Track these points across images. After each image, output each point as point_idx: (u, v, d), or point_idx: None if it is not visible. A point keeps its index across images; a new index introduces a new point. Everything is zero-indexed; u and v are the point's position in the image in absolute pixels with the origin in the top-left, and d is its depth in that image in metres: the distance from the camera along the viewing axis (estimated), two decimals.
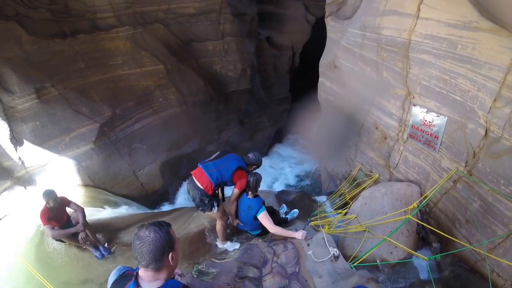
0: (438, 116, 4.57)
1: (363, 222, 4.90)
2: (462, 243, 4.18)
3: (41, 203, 5.63)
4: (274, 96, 17.98)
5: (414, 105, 5.03)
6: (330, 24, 8.22)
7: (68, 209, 6.07)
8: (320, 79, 8.69)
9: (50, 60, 9.64)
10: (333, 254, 4.16)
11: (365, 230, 4.73)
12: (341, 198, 6.78)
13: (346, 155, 7.47)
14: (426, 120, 4.79)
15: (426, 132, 4.85)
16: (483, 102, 3.80)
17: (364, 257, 4.24)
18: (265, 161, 16.18)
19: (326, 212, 6.47)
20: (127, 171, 10.40)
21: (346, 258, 4.37)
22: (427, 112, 4.75)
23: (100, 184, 9.74)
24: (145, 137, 11.23)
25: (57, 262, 6.12)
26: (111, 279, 2.10)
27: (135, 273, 1.98)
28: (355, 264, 4.13)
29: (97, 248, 5.98)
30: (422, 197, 4.98)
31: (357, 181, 6.73)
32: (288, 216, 5.84)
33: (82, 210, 5.98)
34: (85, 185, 9.45)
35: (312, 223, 5.47)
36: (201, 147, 12.82)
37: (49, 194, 5.54)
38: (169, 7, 12.49)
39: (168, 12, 12.51)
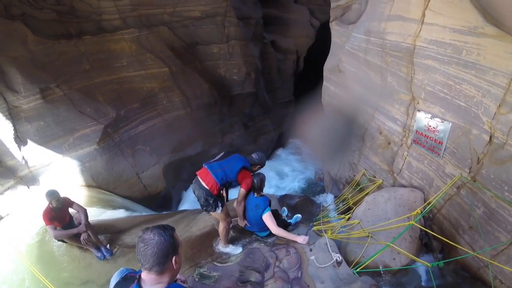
0: (442, 122, 4.56)
1: (366, 227, 4.88)
2: (465, 249, 4.16)
3: (44, 203, 5.64)
4: (278, 99, 17.98)
5: (418, 110, 5.02)
6: (335, 28, 8.23)
7: (71, 210, 6.08)
8: (324, 83, 8.70)
9: (55, 61, 9.67)
10: (336, 259, 4.14)
11: (368, 236, 4.71)
12: (344, 203, 6.76)
13: (349, 159, 7.45)
14: (430, 126, 4.78)
15: (430, 137, 4.83)
16: (487, 108, 3.79)
17: (367, 263, 4.22)
18: (268, 164, 16.12)
19: (329, 217, 6.45)
20: (130, 172, 10.41)
21: (349, 263, 4.35)
22: (432, 117, 4.74)
23: (103, 185, 9.74)
24: (149, 139, 11.24)
25: (59, 263, 6.12)
26: (113, 281, 2.09)
27: (137, 276, 1.97)
28: (357, 270, 4.11)
29: (99, 249, 5.98)
30: (426, 203, 4.95)
31: (361, 186, 6.71)
32: (292, 221, 5.83)
33: (85, 210, 5.98)
34: (88, 186, 9.46)
35: (314, 228, 5.45)
36: (205, 149, 12.82)
37: (52, 194, 5.55)
38: (175, 10, 12.53)
39: (174, 15, 12.55)
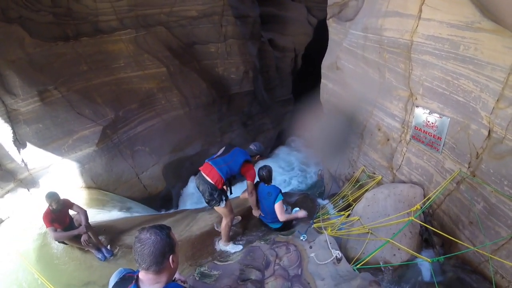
0: (441, 117, 4.55)
1: (366, 224, 4.88)
2: (466, 244, 4.16)
3: (44, 205, 5.65)
4: (277, 98, 17.98)
5: (416, 106, 5.02)
6: (332, 26, 8.21)
7: (71, 211, 6.08)
8: (322, 80, 8.68)
9: (53, 63, 9.68)
10: (336, 256, 4.14)
11: (368, 232, 4.71)
12: (344, 199, 6.76)
13: (348, 156, 7.45)
14: (429, 121, 4.78)
15: (429, 133, 4.83)
16: (486, 103, 3.78)
17: (367, 259, 4.22)
18: (268, 162, 16.18)
19: (329, 214, 6.45)
20: (130, 173, 10.42)
21: (349, 260, 4.35)
22: (430, 113, 4.73)
23: (102, 186, 9.75)
24: (148, 140, 11.25)
25: (60, 264, 6.13)
26: (112, 281, 2.10)
27: (135, 276, 1.98)
28: (357, 266, 4.11)
29: (99, 250, 5.99)
30: (425, 199, 4.95)
31: (360, 183, 6.71)
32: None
33: (85, 212, 5.99)
34: (88, 187, 9.47)
35: (315, 225, 5.45)
36: (204, 149, 12.82)
37: (52, 196, 5.55)
38: (172, 10, 12.51)
39: (171, 15, 12.54)
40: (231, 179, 4.97)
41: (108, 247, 6.19)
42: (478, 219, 4.05)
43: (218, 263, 4.72)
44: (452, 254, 4.33)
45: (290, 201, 7.31)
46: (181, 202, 11.89)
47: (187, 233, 6.03)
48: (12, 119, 8.45)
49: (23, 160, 8.42)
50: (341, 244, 4.92)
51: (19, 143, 8.47)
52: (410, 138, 5.34)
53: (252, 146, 5.31)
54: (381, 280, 4.18)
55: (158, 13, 12.30)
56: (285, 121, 17.84)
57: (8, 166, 8.21)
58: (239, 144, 14.28)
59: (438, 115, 4.59)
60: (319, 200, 7.85)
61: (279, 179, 14.56)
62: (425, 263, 4.36)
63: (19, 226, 7.29)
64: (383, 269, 4.37)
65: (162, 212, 10.09)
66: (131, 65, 11.40)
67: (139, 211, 9.47)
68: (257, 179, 5.21)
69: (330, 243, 4.37)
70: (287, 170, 15.74)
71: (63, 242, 5.99)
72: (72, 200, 6.08)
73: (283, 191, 5.55)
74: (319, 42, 14.68)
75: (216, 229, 5.73)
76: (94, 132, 9.69)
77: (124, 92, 11.24)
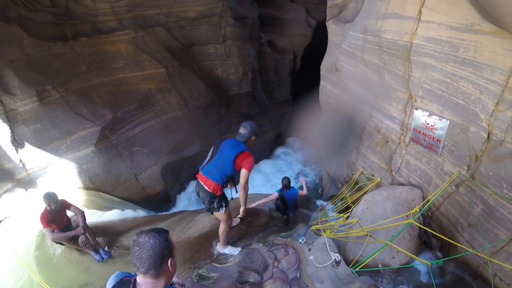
0: (440, 120, 4.55)
1: (365, 226, 4.87)
2: (465, 247, 4.16)
3: (42, 206, 5.61)
4: (276, 99, 17.97)
5: (416, 108, 5.01)
6: (331, 27, 8.22)
7: (69, 212, 6.05)
8: (321, 82, 8.69)
9: (52, 63, 9.64)
10: (335, 259, 4.12)
11: (367, 235, 4.70)
12: (342, 202, 6.75)
13: (347, 158, 7.45)
14: (428, 124, 4.77)
15: (428, 135, 4.82)
16: (485, 105, 3.78)
17: (366, 262, 4.21)
18: (267, 163, 16.19)
19: (327, 216, 6.44)
20: (128, 174, 10.38)
21: (348, 263, 4.34)
22: (429, 115, 4.73)
23: (101, 187, 9.71)
24: (146, 140, 11.21)
25: (57, 265, 6.09)
26: (109, 285, 2.07)
27: (133, 280, 1.95)
28: (357, 269, 4.10)
29: (97, 251, 5.95)
30: (425, 201, 4.95)
31: (359, 185, 6.71)
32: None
33: (83, 213, 5.95)
34: (86, 188, 9.43)
35: (313, 228, 5.44)
36: (203, 150, 12.79)
37: (50, 197, 5.51)
38: (171, 11, 12.50)
39: (170, 15, 12.52)
40: (231, 179, 4.58)
41: (106, 248, 6.16)
42: (477, 221, 4.05)
43: (217, 265, 4.70)
44: (451, 256, 4.33)
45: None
46: (179, 203, 11.85)
47: (185, 235, 6.00)
48: (10, 119, 8.41)
49: (21, 160, 8.39)
50: (339, 246, 4.91)
51: (17, 143, 8.43)
52: (409, 140, 5.34)
53: (242, 130, 4.55)
54: (380, 283, 4.17)
55: (157, 14, 12.28)
56: (284, 123, 17.83)
57: (6, 166, 8.17)
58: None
59: (437, 118, 4.59)
60: (318, 202, 7.85)
61: (277, 180, 14.53)
62: (424, 266, 4.35)
63: (17, 226, 7.25)
64: (382, 271, 4.36)
65: (160, 214, 10.05)
66: (130, 66, 11.37)
67: (137, 213, 9.45)
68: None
69: (329, 246, 4.35)
70: (285, 171, 15.73)
71: (61, 243, 5.95)
72: (70, 201, 6.04)
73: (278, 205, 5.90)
74: (318, 43, 14.71)
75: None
76: (92, 133, 9.65)
77: (122, 92, 11.21)
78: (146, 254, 1.79)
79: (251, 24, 15.33)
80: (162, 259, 1.84)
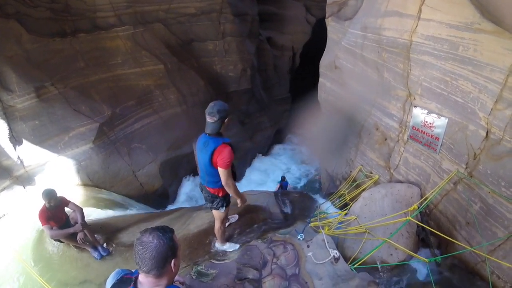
0: (439, 118, 4.56)
1: (363, 223, 4.88)
2: (463, 245, 4.17)
3: (40, 203, 5.61)
4: (275, 96, 17.98)
5: (415, 106, 5.02)
6: (331, 24, 8.21)
7: (67, 209, 6.05)
8: (320, 79, 8.68)
9: (50, 59, 9.62)
10: (333, 256, 4.14)
11: (365, 232, 4.71)
12: (341, 199, 6.76)
13: (346, 156, 7.46)
14: (427, 122, 4.78)
15: (426, 133, 4.83)
16: (484, 104, 3.78)
17: (364, 259, 4.23)
18: (265, 161, 16.21)
19: (326, 213, 6.45)
20: (127, 170, 10.38)
21: (346, 259, 4.35)
22: (428, 113, 4.74)
23: (99, 184, 9.71)
24: (145, 137, 11.21)
25: (56, 262, 6.10)
26: (109, 283, 2.06)
27: (134, 278, 1.94)
28: (355, 266, 4.11)
29: (95, 248, 5.96)
30: (423, 199, 4.96)
31: (357, 182, 6.72)
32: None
33: (81, 210, 5.95)
34: (84, 185, 9.43)
35: (312, 224, 5.45)
36: None
37: (49, 194, 5.51)
38: (170, 7, 12.47)
39: (169, 11, 12.49)
40: (233, 174, 4.20)
41: (104, 245, 6.16)
42: (475, 219, 4.06)
43: (215, 261, 4.71)
44: (449, 254, 4.35)
45: (287, 199, 7.31)
46: (177, 200, 11.86)
47: (183, 232, 6.00)
48: (8, 115, 8.39)
49: (19, 157, 8.37)
50: (338, 243, 4.92)
51: (15, 140, 8.42)
52: (407, 138, 5.35)
53: (209, 119, 3.93)
54: (378, 279, 4.19)
55: (156, 10, 12.26)
56: (283, 120, 17.86)
57: (4, 163, 8.15)
58: (236, 142, 14.25)
59: (436, 116, 4.60)
60: (316, 199, 7.86)
61: (275, 177, 14.57)
62: (421, 263, 4.37)
63: (15, 223, 7.25)
64: (380, 268, 4.38)
65: (159, 210, 10.07)
66: (129, 62, 11.35)
67: (135, 210, 9.45)
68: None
69: (328, 243, 4.37)
70: (284, 168, 15.76)
71: (59, 240, 5.95)
72: (68, 198, 6.04)
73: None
74: (317, 41, 14.70)
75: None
76: (90, 129, 9.64)
77: (121, 89, 11.19)
78: (149, 254, 1.78)
79: (251, 21, 15.32)
80: (165, 259, 1.83)
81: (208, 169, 3.93)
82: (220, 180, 4.00)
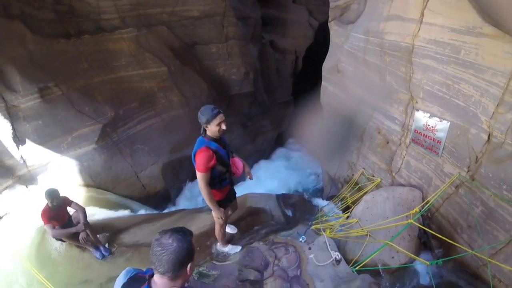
0: (441, 121, 4.57)
1: (365, 226, 4.89)
2: (464, 248, 4.18)
3: (43, 202, 5.64)
4: (277, 99, 17.98)
5: (417, 110, 5.04)
6: (334, 28, 8.24)
7: (69, 209, 6.08)
8: (323, 83, 8.71)
9: (54, 60, 9.66)
10: (335, 258, 4.15)
11: (367, 235, 4.72)
12: (342, 202, 6.77)
13: (348, 159, 7.47)
14: (429, 125, 4.80)
15: (428, 137, 4.85)
16: (486, 108, 3.80)
17: (365, 261, 4.24)
18: (267, 164, 16.19)
19: (327, 216, 6.46)
20: (129, 172, 10.40)
21: (348, 262, 4.36)
22: (430, 117, 4.75)
23: (101, 185, 9.73)
24: (147, 139, 11.23)
25: (57, 262, 6.12)
26: (120, 281, 2.05)
27: (147, 276, 1.95)
28: (356, 268, 4.12)
29: (97, 248, 5.98)
30: (424, 202, 4.97)
31: (359, 185, 6.73)
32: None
33: (83, 210, 5.99)
34: (87, 185, 9.45)
35: (313, 227, 5.46)
36: None
37: (52, 194, 5.55)
38: (174, 10, 12.52)
39: (173, 14, 12.54)
40: (218, 179, 4.21)
41: (106, 245, 6.19)
42: (477, 223, 4.07)
43: (217, 263, 4.73)
44: (451, 257, 4.35)
45: (288, 203, 7.33)
46: (179, 201, 11.87)
47: None
48: (11, 115, 8.43)
49: (22, 157, 8.41)
50: (339, 246, 4.93)
51: (18, 139, 8.45)
52: (409, 142, 5.36)
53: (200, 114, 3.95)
54: (379, 282, 4.20)
55: (160, 13, 12.30)
56: (285, 123, 17.83)
57: (7, 163, 8.19)
58: (238, 145, 14.29)
59: (438, 119, 4.61)
60: (318, 202, 7.87)
61: (277, 181, 14.56)
62: (423, 266, 4.38)
63: (17, 223, 7.27)
64: (381, 271, 4.39)
65: (161, 212, 10.08)
66: (132, 64, 11.39)
67: (137, 211, 9.47)
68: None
69: (329, 245, 4.38)
70: (285, 171, 15.74)
71: (61, 240, 5.99)
72: (71, 198, 6.07)
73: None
74: (320, 44, 14.71)
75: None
76: (93, 130, 9.67)
77: (124, 90, 11.22)
78: (167, 256, 1.79)
79: (254, 24, 15.36)
80: (182, 263, 1.84)
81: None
82: (211, 184, 4.04)
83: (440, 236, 4.22)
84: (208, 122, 3.86)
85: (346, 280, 3.81)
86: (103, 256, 5.97)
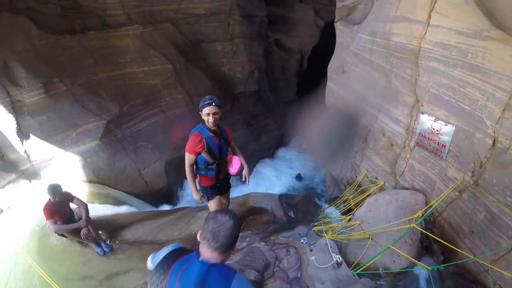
0: (446, 125, 4.53)
1: (367, 229, 4.86)
2: (466, 254, 4.14)
3: (45, 197, 5.65)
4: (281, 98, 17.98)
5: (422, 113, 5.00)
6: (340, 29, 8.19)
7: (72, 205, 6.09)
8: (328, 83, 8.67)
9: (59, 56, 9.69)
10: (336, 260, 4.13)
11: (369, 238, 4.69)
12: (345, 204, 6.74)
13: (351, 160, 7.43)
14: (433, 129, 4.76)
15: (433, 140, 4.81)
16: (491, 112, 3.76)
17: (367, 264, 4.21)
18: (270, 163, 16.19)
19: (329, 218, 6.44)
20: (132, 168, 10.43)
21: (349, 265, 4.34)
22: (435, 120, 4.71)
23: (104, 181, 9.76)
24: (151, 136, 11.26)
25: (59, 257, 6.14)
26: (163, 253, 2.13)
27: (194, 250, 2.07)
28: (357, 271, 4.10)
29: (98, 244, 5.99)
30: (427, 206, 4.93)
31: (362, 188, 6.69)
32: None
33: (86, 206, 5.99)
34: (90, 181, 9.48)
35: (315, 228, 5.44)
36: None
37: (54, 189, 5.56)
38: (179, 7, 12.53)
39: (178, 12, 12.55)
40: (209, 169, 4.47)
41: (108, 241, 6.20)
42: (479, 228, 4.03)
43: None
44: (452, 262, 4.32)
45: (290, 203, 7.31)
46: (181, 199, 11.89)
47: (187, 231, 6.02)
48: (16, 110, 8.47)
49: (25, 152, 8.44)
50: (341, 248, 4.91)
51: (23, 134, 8.49)
52: (414, 145, 5.32)
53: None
54: (380, 286, 4.18)
55: (165, 10, 12.32)
56: (289, 122, 17.82)
57: (11, 157, 8.23)
58: (242, 143, 14.27)
59: (443, 123, 4.57)
60: (321, 203, 7.85)
61: (280, 180, 14.55)
62: (424, 271, 4.35)
63: (19, 217, 7.30)
64: (382, 275, 4.36)
65: (163, 209, 10.09)
66: (137, 61, 11.41)
67: (139, 208, 9.49)
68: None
69: (331, 247, 4.36)
70: (288, 171, 15.73)
71: (63, 235, 6.00)
72: (73, 194, 6.08)
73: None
74: (325, 44, 14.67)
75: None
76: (97, 126, 9.70)
77: (129, 87, 11.26)
78: (224, 232, 1.93)
79: (259, 23, 15.34)
80: (234, 241, 2.00)
81: None
82: (198, 168, 4.48)
83: (442, 241, 4.19)
84: (200, 110, 4.20)
85: (346, 283, 3.79)
86: (104, 252, 5.97)
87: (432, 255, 4.76)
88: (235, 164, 4.45)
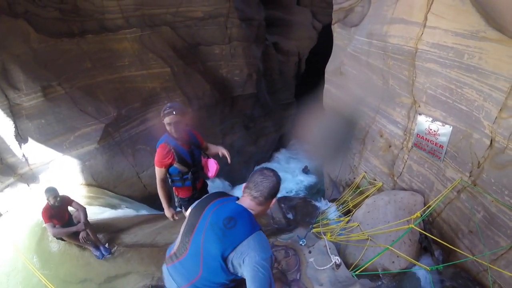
0: (443, 126, 4.54)
1: (366, 230, 4.86)
2: (465, 253, 4.15)
3: (43, 201, 5.65)
4: (279, 101, 18.00)
5: (419, 114, 5.01)
6: (337, 31, 8.22)
7: (70, 208, 6.08)
8: (325, 85, 8.68)
9: (58, 59, 9.70)
10: (335, 262, 4.13)
11: (367, 239, 4.69)
12: (344, 205, 6.74)
13: (350, 162, 7.44)
14: (431, 129, 4.77)
15: (431, 141, 4.82)
16: (489, 112, 3.77)
17: (366, 265, 4.22)
18: (269, 165, 16.15)
19: (328, 219, 6.43)
20: (131, 172, 10.42)
21: (348, 266, 4.34)
22: (433, 121, 4.73)
23: (103, 184, 9.75)
24: (150, 139, 11.23)
25: (57, 260, 6.12)
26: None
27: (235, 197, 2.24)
28: (356, 272, 4.10)
29: (97, 248, 5.97)
30: (426, 207, 4.94)
31: (361, 189, 6.69)
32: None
33: (84, 209, 5.98)
34: (88, 185, 9.47)
35: (314, 230, 5.44)
36: None
37: (51, 191, 5.55)
38: (178, 10, 12.55)
39: (176, 15, 12.57)
40: (185, 179, 4.33)
41: (106, 245, 6.18)
42: (478, 228, 4.04)
43: None
44: (451, 262, 4.32)
45: (289, 205, 7.30)
46: None
47: None
48: (14, 113, 8.46)
49: (24, 155, 8.43)
50: (339, 249, 4.90)
51: (21, 137, 8.48)
52: (412, 146, 5.33)
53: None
54: (379, 287, 4.17)
55: (164, 13, 12.33)
56: (287, 125, 17.85)
57: (9, 161, 8.22)
58: (240, 146, 14.29)
59: (440, 123, 4.59)
60: (319, 205, 7.84)
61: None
62: (423, 271, 4.35)
63: (17, 221, 7.29)
64: (381, 276, 4.36)
65: (162, 212, 10.06)
66: (136, 64, 11.42)
67: (138, 211, 9.47)
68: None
69: (330, 249, 4.36)
70: (286, 173, 15.73)
71: (61, 239, 5.99)
72: (72, 197, 6.08)
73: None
74: (323, 47, 14.71)
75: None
76: (96, 130, 9.69)
77: (127, 90, 11.25)
78: (266, 183, 2.12)
79: (257, 26, 15.37)
80: (274, 194, 2.17)
81: None
82: (174, 180, 4.26)
83: (441, 241, 4.20)
84: (161, 119, 3.97)
85: (345, 284, 3.79)
86: (103, 256, 5.96)
87: (431, 256, 4.76)
88: (211, 167, 4.30)
